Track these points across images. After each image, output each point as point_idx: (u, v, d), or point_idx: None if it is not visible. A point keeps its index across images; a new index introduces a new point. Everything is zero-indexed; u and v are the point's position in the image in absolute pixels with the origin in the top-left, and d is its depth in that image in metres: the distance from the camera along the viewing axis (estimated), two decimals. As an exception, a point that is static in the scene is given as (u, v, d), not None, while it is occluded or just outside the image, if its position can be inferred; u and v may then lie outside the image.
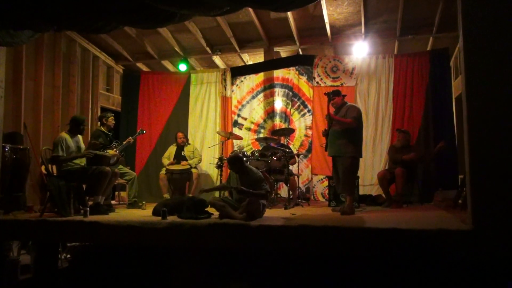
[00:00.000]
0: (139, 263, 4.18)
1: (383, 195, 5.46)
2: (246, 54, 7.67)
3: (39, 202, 5.55)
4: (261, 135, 6.89)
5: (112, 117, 5.58)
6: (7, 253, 4.47)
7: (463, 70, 3.00)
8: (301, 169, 6.55)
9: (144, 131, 5.92)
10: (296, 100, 6.93)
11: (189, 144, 6.64)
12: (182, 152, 6.44)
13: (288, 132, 6.33)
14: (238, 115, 7.23)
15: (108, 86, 7.89)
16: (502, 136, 2.84)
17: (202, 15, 3.96)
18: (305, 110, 6.87)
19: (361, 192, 5.61)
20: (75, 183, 4.44)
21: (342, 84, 6.62)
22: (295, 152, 6.27)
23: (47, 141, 5.82)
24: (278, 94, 7.05)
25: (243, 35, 6.96)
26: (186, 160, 6.36)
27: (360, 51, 6.63)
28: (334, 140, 4.48)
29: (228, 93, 7.21)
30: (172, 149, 6.53)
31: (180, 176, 6.22)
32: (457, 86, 6.31)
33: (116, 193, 6.57)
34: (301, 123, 6.87)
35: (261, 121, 7.10)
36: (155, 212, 4.25)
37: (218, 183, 5.94)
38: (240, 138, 6.50)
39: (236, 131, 7.05)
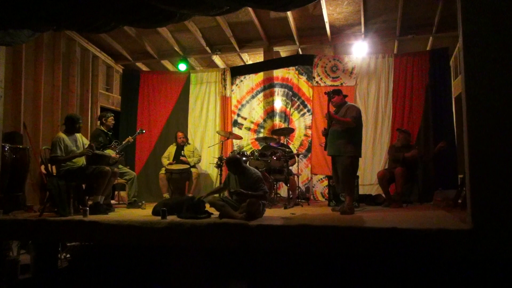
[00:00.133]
0: (139, 263, 4.18)
1: (383, 195, 5.46)
2: (246, 54, 7.67)
3: (38, 202, 5.55)
4: (261, 135, 6.89)
5: (112, 117, 5.59)
6: (7, 252, 4.47)
7: (463, 70, 3.00)
8: (301, 169, 6.55)
9: (144, 131, 5.91)
10: (295, 99, 6.93)
11: (188, 143, 6.64)
12: (182, 151, 6.44)
13: (288, 131, 6.33)
14: (238, 115, 7.23)
15: (108, 85, 7.89)
16: (502, 136, 2.84)
17: (201, 15, 3.96)
18: (305, 110, 6.87)
19: (360, 192, 5.61)
20: (74, 183, 4.44)
21: (341, 83, 6.62)
22: (294, 151, 6.26)
23: (46, 141, 5.81)
24: (277, 94, 7.05)
25: (243, 35, 6.95)
26: (186, 161, 6.35)
27: (359, 50, 6.62)
28: (334, 140, 4.48)
29: (228, 92, 7.21)
30: (171, 149, 6.53)
31: (179, 176, 6.22)
32: (456, 85, 6.31)
33: (116, 192, 6.57)
34: (301, 123, 6.87)
35: (261, 120, 7.10)
36: (154, 212, 4.26)
37: (218, 182, 5.94)
38: (239, 137, 6.50)
39: (235, 130, 7.05)
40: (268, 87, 7.10)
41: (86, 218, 3.98)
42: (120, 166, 5.40)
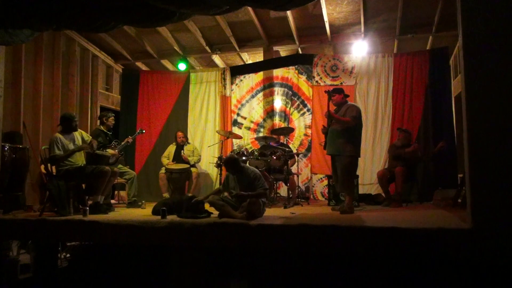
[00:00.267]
0: (139, 263, 4.18)
1: (383, 194, 5.46)
2: (246, 53, 7.67)
3: (38, 202, 5.55)
4: (261, 134, 6.89)
5: (113, 117, 5.58)
6: (7, 252, 4.47)
7: (463, 69, 3.00)
8: (301, 168, 6.54)
9: (144, 131, 5.91)
10: (295, 99, 6.92)
11: (188, 143, 6.64)
12: (182, 151, 6.44)
13: (288, 131, 6.33)
14: (238, 114, 7.22)
15: (108, 85, 7.88)
16: (502, 135, 2.84)
17: (201, 14, 3.95)
18: (305, 109, 6.87)
19: (360, 191, 5.61)
20: (74, 183, 4.43)
21: (341, 83, 6.61)
22: (294, 151, 6.27)
23: (46, 141, 5.79)
24: (277, 93, 7.05)
25: (243, 34, 6.95)
26: (186, 161, 6.35)
27: (359, 50, 6.62)
28: (333, 139, 4.48)
29: (228, 92, 7.21)
30: (171, 149, 6.53)
31: (179, 175, 6.22)
32: (456, 85, 6.31)
33: (116, 192, 6.56)
34: (301, 122, 6.87)
35: (261, 120, 7.09)
36: (154, 212, 4.26)
37: (218, 182, 5.94)
38: (239, 137, 6.50)
39: (235, 130, 7.05)
40: (268, 86, 7.09)
41: (86, 217, 3.98)
42: (120, 165, 5.40)
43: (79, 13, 3.57)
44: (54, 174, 4.55)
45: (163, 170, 6.28)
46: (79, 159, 4.64)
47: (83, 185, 4.67)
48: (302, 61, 6.92)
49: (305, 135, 6.83)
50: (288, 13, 6.08)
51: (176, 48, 7.25)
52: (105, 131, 5.46)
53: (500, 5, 2.90)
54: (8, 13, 3.51)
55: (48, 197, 4.43)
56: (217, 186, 5.55)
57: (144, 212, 4.65)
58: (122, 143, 5.45)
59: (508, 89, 2.85)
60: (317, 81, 6.79)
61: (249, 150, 5.63)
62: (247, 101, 7.21)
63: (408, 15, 6.05)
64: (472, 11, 2.96)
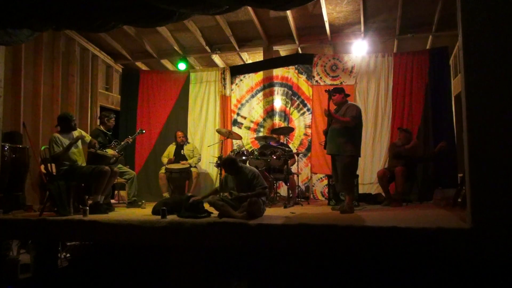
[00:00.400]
0: (139, 262, 4.18)
1: (383, 194, 5.47)
2: (246, 53, 7.67)
3: (38, 202, 5.55)
4: (261, 134, 6.89)
5: (114, 119, 5.57)
6: (7, 252, 4.47)
7: (463, 69, 3.00)
8: (301, 168, 6.55)
9: (144, 131, 5.90)
10: (295, 99, 6.92)
11: (188, 143, 6.64)
12: (182, 151, 6.44)
13: (288, 131, 6.33)
14: (238, 114, 7.23)
15: (107, 85, 7.88)
16: (502, 135, 2.83)
17: (201, 14, 3.95)
18: (305, 109, 6.87)
19: (360, 191, 5.61)
20: (74, 182, 4.43)
21: (341, 82, 6.61)
22: (294, 151, 6.27)
23: (46, 141, 5.79)
24: (277, 93, 7.05)
25: (243, 34, 6.95)
26: (186, 159, 6.36)
27: (359, 49, 6.62)
28: (333, 139, 4.48)
29: (228, 92, 7.21)
30: (171, 148, 6.53)
31: (179, 175, 6.22)
32: (456, 84, 6.31)
33: (116, 192, 6.57)
34: (301, 122, 6.87)
35: (261, 120, 7.10)
36: (154, 211, 4.26)
37: (218, 181, 5.94)
38: (239, 137, 6.49)
39: (235, 130, 7.04)
40: (267, 86, 7.09)
41: (86, 217, 3.98)
42: (120, 165, 5.39)
43: (79, 13, 3.57)
44: (54, 174, 4.55)
45: (163, 170, 6.28)
46: (79, 159, 4.63)
47: (83, 185, 4.67)
48: (302, 61, 6.92)
49: (305, 134, 6.83)
50: (288, 12, 6.08)
51: (176, 48, 7.25)
52: (105, 131, 5.45)
53: (500, 5, 2.90)
54: (8, 13, 3.51)
55: (48, 197, 4.43)
56: (217, 186, 5.55)
57: (144, 212, 4.65)
58: (122, 143, 5.45)
59: (508, 88, 2.85)
60: (317, 81, 6.79)
61: (249, 150, 5.62)
62: (247, 101, 7.21)
63: (408, 14, 6.05)
64: (472, 11, 2.95)
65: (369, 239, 3.10)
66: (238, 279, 3.69)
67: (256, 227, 3.35)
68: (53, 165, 4.59)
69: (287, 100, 6.97)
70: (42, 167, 5.09)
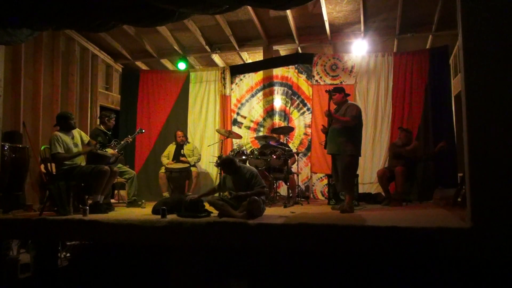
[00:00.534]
0: (139, 262, 4.18)
1: (383, 193, 5.47)
2: (245, 53, 7.67)
3: (38, 201, 5.55)
4: (261, 134, 6.89)
5: (114, 119, 5.57)
6: (7, 252, 4.47)
7: (463, 68, 3.00)
8: (301, 168, 6.55)
9: (143, 131, 5.89)
10: (295, 98, 6.92)
11: (188, 142, 6.64)
12: (182, 150, 6.44)
13: (288, 130, 6.33)
14: (238, 114, 7.22)
15: (107, 84, 7.88)
16: (502, 134, 2.83)
17: (201, 14, 3.95)
18: (305, 109, 6.87)
19: (360, 190, 5.61)
20: (74, 182, 4.43)
21: (341, 82, 6.61)
22: (294, 150, 6.27)
23: (46, 140, 5.79)
24: (277, 93, 7.05)
25: (242, 34, 6.95)
26: (186, 159, 6.35)
27: (359, 49, 6.62)
28: (334, 138, 4.48)
29: (228, 91, 7.21)
30: (171, 148, 6.53)
31: (179, 175, 6.23)
32: (456, 84, 6.31)
33: (116, 191, 6.57)
34: (301, 122, 6.87)
35: (261, 119, 7.10)
36: (154, 211, 4.26)
37: (218, 181, 5.94)
38: (239, 137, 6.49)
39: (235, 129, 7.04)
40: (267, 85, 7.09)
41: (86, 217, 3.98)
42: (119, 165, 5.39)
43: (79, 13, 3.57)
44: (54, 173, 4.55)
45: (163, 170, 6.28)
46: (79, 158, 4.64)
47: (83, 185, 4.67)
48: (302, 60, 6.92)
49: (305, 134, 6.83)
50: (288, 12, 6.08)
51: (176, 47, 7.24)
52: (105, 130, 5.45)
53: (500, 4, 2.90)
54: (8, 13, 3.51)
55: (48, 196, 4.43)
56: (216, 185, 5.55)
57: (144, 212, 4.65)
58: (122, 142, 5.44)
59: (508, 88, 2.85)
60: (317, 80, 6.79)
61: (247, 151, 5.62)
62: (247, 101, 7.21)
63: (407, 14, 6.04)
64: (472, 11, 2.95)
65: (369, 238, 3.10)
66: (238, 279, 3.70)
67: (256, 227, 3.35)
68: (53, 164, 4.59)
69: (287, 99, 6.97)
70: (42, 166, 5.09)
